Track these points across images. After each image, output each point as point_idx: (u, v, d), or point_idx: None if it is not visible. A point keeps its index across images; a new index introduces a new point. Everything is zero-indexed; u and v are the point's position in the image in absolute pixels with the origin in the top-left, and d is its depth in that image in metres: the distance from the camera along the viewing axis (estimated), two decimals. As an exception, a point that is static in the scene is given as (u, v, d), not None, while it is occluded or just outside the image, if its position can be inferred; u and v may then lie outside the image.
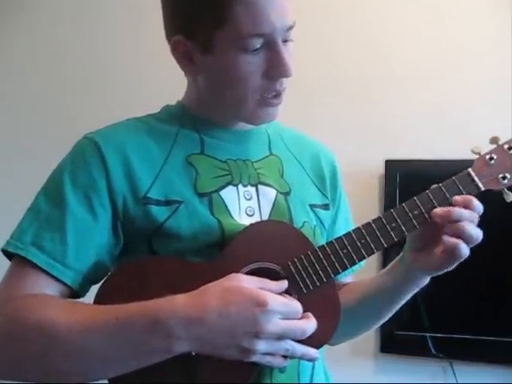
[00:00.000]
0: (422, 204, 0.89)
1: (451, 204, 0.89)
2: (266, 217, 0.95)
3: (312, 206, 1.02)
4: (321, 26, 2.02)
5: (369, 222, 0.89)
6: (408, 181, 1.78)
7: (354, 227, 0.90)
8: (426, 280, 0.96)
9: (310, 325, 0.81)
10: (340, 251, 0.88)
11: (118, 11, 2.21)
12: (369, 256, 0.89)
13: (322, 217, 1.03)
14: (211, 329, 0.76)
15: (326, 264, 0.87)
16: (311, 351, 0.83)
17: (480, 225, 0.89)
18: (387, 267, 1.00)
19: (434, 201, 0.89)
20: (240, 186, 0.95)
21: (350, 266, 0.89)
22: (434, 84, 1.93)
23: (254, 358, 0.79)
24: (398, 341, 1.85)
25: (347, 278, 1.09)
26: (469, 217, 0.87)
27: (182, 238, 0.89)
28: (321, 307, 0.85)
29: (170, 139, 0.96)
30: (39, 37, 2.30)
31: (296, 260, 0.87)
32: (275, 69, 0.89)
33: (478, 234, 0.88)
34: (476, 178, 0.91)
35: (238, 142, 0.99)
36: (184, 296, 0.79)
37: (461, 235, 0.87)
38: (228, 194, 0.94)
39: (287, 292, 0.85)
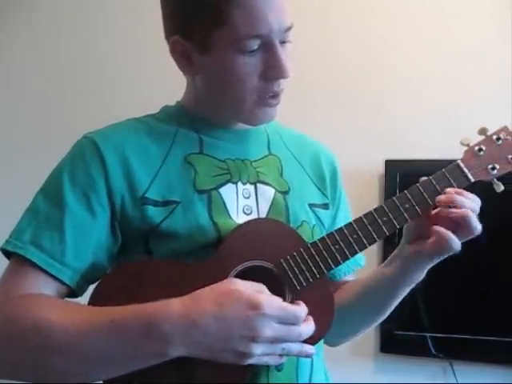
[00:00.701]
0: (412, 197, 0.90)
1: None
2: (263, 215, 0.95)
3: (311, 206, 1.02)
4: (322, 26, 2.02)
5: (360, 217, 0.90)
6: (408, 181, 1.78)
7: None
8: (421, 275, 0.96)
9: (306, 328, 0.81)
10: (332, 247, 0.88)
11: (118, 11, 2.21)
12: (361, 251, 0.89)
13: (322, 216, 1.03)
14: (207, 333, 0.76)
15: (319, 260, 0.88)
16: (307, 348, 0.82)
17: (483, 228, 0.89)
18: (385, 261, 1.01)
19: (424, 194, 0.90)
20: (239, 183, 0.96)
21: (343, 261, 0.89)
22: (434, 84, 1.93)
23: (251, 361, 0.78)
24: (397, 341, 1.85)
25: (347, 276, 1.09)
26: (470, 204, 0.88)
27: (177, 238, 0.89)
28: (315, 303, 0.85)
29: (168, 139, 0.96)
30: (39, 37, 2.30)
31: (289, 257, 0.87)
32: (272, 70, 0.89)
33: (477, 224, 0.88)
34: (465, 170, 0.91)
35: (236, 141, 0.99)
36: (179, 300, 0.79)
37: (462, 221, 0.87)
38: (227, 192, 0.94)
39: (281, 289, 0.86)
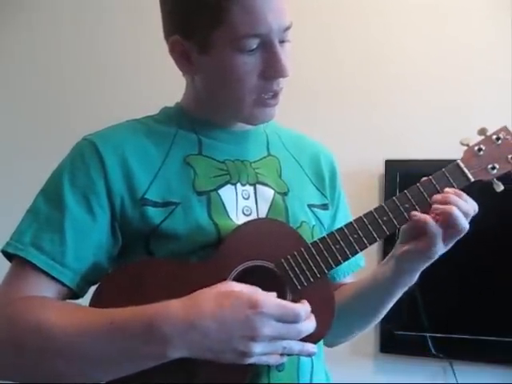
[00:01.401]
0: (412, 197, 0.90)
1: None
2: (263, 216, 0.95)
3: (311, 206, 1.02)
4: (322, 26, 2.02)
5: (360, 217, 0.90)
6: (408, 181, 1.78)
7: None
8: (414, 276, 0.96)
9: (306, 325, 0.81)
10: (333, 246, 0.88)
11: (118, 11, 2.21)
12: (362, 250, 0.90)
13: (321, 216, 1.03)
14: (206, 334, 0.76)
15: (320, 260, 0.88)
16: (308, 347, 0.83)
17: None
18: (382, 262, 1.01)
19: (424, 193, 0.90)
20: (238, 184, 0.96)
21: (344, 261, 0.89)
22: (434, 84, 1.92)
23: (251, 361, 0.79)
24: (397, 341, 1.85)
25: (347, 278, 1.09)
26: (463, 205, 0.88)
27: (178, 239, 0.89)
28: (316, 303, 0.85)
29: (168, 140, 0.96)
30: (39, 37, 2.30)
31: (289, 257, 0.87)
32: (271, 69, 0.90)
33: (464, 224, 0.89)
34: (465, 169, 0.92)
35: (236, 142, 0.99)
36: (179, 301, 0.79)
37: (448, 217, 0.87)
38: (226, 193, 0.94)
39: (282, 289, 0.86)
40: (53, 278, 0.86)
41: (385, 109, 1.96)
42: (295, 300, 0.85)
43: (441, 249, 0.90)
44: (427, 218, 0.88)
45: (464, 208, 0.88)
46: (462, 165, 0.92)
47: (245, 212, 0.94)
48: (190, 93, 1.01)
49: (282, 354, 0.81)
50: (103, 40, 2.24)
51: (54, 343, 0.79)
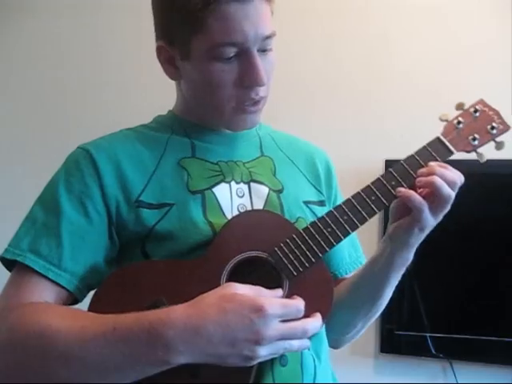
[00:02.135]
0: (398, 174, 0.91)
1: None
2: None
3: (307, 203, 1.02)
4: (322, 26, 2.03)
5: (349, 198, 0.91)
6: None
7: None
8: (409, 254, 0.95)
9: (311, 323, 0.82)
10: (324, 230, 0.89)
11: (119, 12, 2.21)
12: (353, 231, 0.90)
13: (318, 213, 1.03)
14: (210, 339, 0.76)
15: (312, 244, 0.88)
16: (306, 342, 0.83)
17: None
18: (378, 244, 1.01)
19: (409, 169, 0.92)
20: (233, 182, 0.97)
21: (337, 243, 0.89)
22: (434, 84, 1.93)
23: (255, 363, 0.79)
24: (397, 341, 1.85)
25: (349, 275, 1.09)
26: (448, 174, 0.88)
27: (173, 239, 0.89)
28: (313, 287, 0.86)
29: (161, 145, 0.97)
30: (38, 39, 2.30)
31: (282, 245, 0.88)
32: (248, 78, 0.90)
33: (449, 192, 0.88)
34: (447, 142, 0.94)
35: (228, 144, 1.00)
36: (181, 307, 0.78)
37: (431, 187, 0.88)
38: (221, 191, 0.95)
39: (278, 278, 0.86)
40: (51, 281, 0.87)
41: (385, 109, 1.96)
42: (293, 287, 0.85)
43: (430, 221, 0.89)
44: (410, 192, 0.88)
45: (448, 177, 0.88)
46: (442, 138, 0.95)
47: (240, 209, 0.95)
48: (179, 98, 1.03)
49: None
50: (103, 41, 2.24)
51: (55, 350, 0.79)
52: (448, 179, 0.88)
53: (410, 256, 0.96)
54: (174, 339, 0.75)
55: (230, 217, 0.93)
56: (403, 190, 0.89)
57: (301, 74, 1.99)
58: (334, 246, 0.89)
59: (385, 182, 0.91)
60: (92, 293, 0.91)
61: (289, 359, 0.88)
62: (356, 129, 1.98)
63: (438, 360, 1.82)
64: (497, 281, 1.78)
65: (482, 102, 0.98)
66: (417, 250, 0.95)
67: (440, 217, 0.91)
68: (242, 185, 0.97)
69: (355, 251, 1.11)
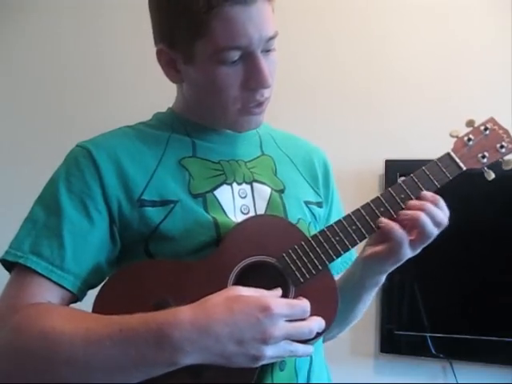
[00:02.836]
0: (407, 187, 0.92)
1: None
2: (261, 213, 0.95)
3: (307, 203, 1.02)
4: (322, 26, 2.03)
5: (358, 209, 0.92)
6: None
7: None
8: (382, 278, 0.97)
9: (315, 324, 0.82)
10: (332, 238, 0.89)
11: (119, 11, 2.21)
12: (361, 241, 0.91)
13: (317, 213, 1.04)
14: (218, 339, 0.76)
15: (320, 252, 0.89)
16: (310, 349, 0.83)
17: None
18: (352, 262, 1.02)
19: (418, 183, 0.93)
20: (234, 184, 0.96)
21: (344, 252, 0.90)
22: (434, 84, 1.93)
23: (262, 363, 0.79)
24: (397, 341, 1.85)
25: (341, 274, 1.09)
26: (434, 212, 0.89)
27: (178, 238, 0.89)
28: (319, 296, 0.86)
29: (162, 144, 0.97)
30: (39, 37, 2.30)
31: (290, 251, 0.88)
32: (253, 80, 0.90)
33: (431, 231, 0.89)
34: (457, 159, 0.95)
35: (229, 143, 1.00)
36: (188, 307, 0.78)
37: (415, 223, 0.88)
38: (222, 193, 0.95)
39: (285, 284, 0.86)
40: (54, 282, 0.86)
41: (385, 109, 1.97)
42: (298, 293, 0.86)
43: (407, 254, 0.91)
44: (391, 224, 0.89)
45: (436, 216, 0.89)
46: (453, 154, 0.95)
47: (243, 210, 0.95)
48: (180, 98, 1.02)
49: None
50: (103, 41, 2.24)
51: (60, 352, 0.78)
52: (436, 218, 0.89)
53: (381, 280, 0.98)
54: (181, 340, 0.75)
55: (233, 218, 0.93)
56: (385, 222, 0.90)
57: (301, 74, 1.99)
58: (341, 254, 0.90)
59: (394, 194, 0.92)
60: (93, 291, 0.90)
61: (286, 363, 0.89)
62: (356, 129, 1.98)
63: (438, 360, 1.82)
64: (497, 281, 1.78)
65: (492, 120, 0.99)
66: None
67: (418, 250, 0.92)
68: (244, 185, 0.97)
69: (348, 252, 1.11)
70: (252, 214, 0.95)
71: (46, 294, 0.86)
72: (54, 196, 0.90)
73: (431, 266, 1.65)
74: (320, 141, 1.15)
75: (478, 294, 1.80)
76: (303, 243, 0.88)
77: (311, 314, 0.82)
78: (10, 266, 0.89)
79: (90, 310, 0.86)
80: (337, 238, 0.89)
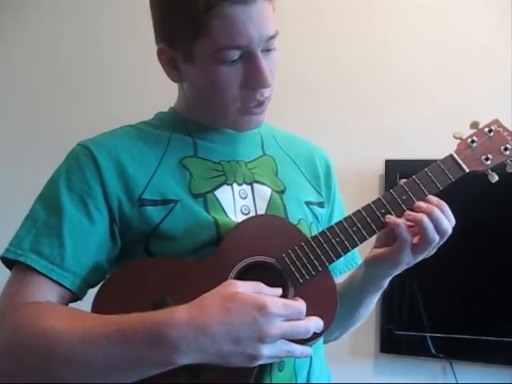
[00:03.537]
0: (409, 189, 0.91)
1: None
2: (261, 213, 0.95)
3: (308, 203, 1.02)
4: (323, 26, 2.03)
5: (359, 210, 0.91)
6: (408, 181, 1.80)
7: None
8: (384, 283, 0.97)
9: (313, 323, 0.81)
10: (333, 239, 0.89)
11: (120, 11, 2.21)
12: (361, 242, 0.90)
13: (318, 214, 1.04)
14: (214, 338, 0.76)
15: (320, 252, 0.88)
16: (308, 350, 0.83)
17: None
18: (357, 266, 1.02)
19: (420, 185, 0.92)
20: (235, 184, 0.96)
21: (344, 253, 0.89)
22: (434, 84, 1.93)
23: (259, 363, 0.79)
24: (397, 341, 1.85)
25: (343, 275, 1.09)
26: (438, 217, 0.88)
27: (178, 238, 0.89)
28: (319, 297, 0.86)
29: (163, 143, 0.97)
30: (39, 39, 2.30)
31: (290, 251, 0.88)
32: (253, 80, 0.89)
33: (432, 237, 0.88)
34: (460, 161, 0.94)
35: (230, 143, 1.00)
36: (184, 307, 0.78)
37: (418, 225, 0.88)
38: (223, 194, 0.94)
39: (284, 284, 0.86)
40: (54, 281, 0.86)
41: (385, 109, 1.96)
42: (298, 294, 0.85)
43: (408, 258, 0.90)
44: (399, 221, 0.88)
45: (440, 221, 0.88)
46: (456, 156, 0.94)
47: (243, 211, 0.95)
48: (181, 97, 1.02)
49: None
50: (103, 41, 2.24)
51: (58, 351, 0.79)
52: (439, 225, 0.88)
53: (384, 285, 0.97)
54: (178, 340, 0.75)
55: (233, 218, 0.93)
56: (392, 218, 0.89)
57: (301, 74, 1.99)
58: (341, 255, 0.89)
59: (395, 196, 0.91)
60: (92, 290, 0.90)
61: (285, 363, 0.89)
62: (356, 129, 1.98)
63: (438, 360, 1.81)
64: (497, 281, 1.78)
65: (496, 122, 0.97)
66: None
67: (418, 259, 0.91)
68: (244, 186, 0.97)
69: (352, 252, 1.10)
70: (252, 214, 0.95)
71: (46, 292, 0.86)
72: (55, 194, 0.90)
73: (431, 266, 1.65)
74: (320, 140, 1.15)
75: (477, 294, 1.80)
76: (303, 244, 0.88)
77: (310, 315, 0.82)
78: (9, 263, 0.89)
79: (89, 309, 0.86)
80: (337, 239, 0.89)
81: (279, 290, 0.84)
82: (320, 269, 0.88)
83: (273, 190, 0.98)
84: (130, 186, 0.91)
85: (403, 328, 1.83)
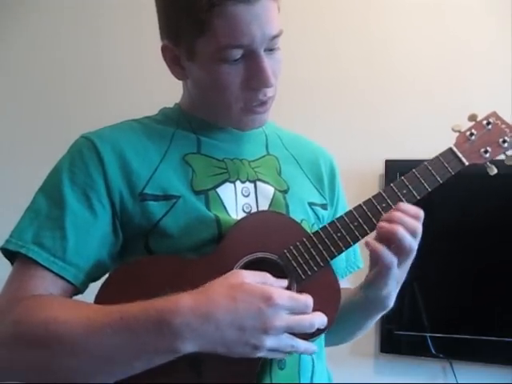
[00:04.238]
0: (409, 183, 0.92)
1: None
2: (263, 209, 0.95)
3: (311, 204, 1.02)
4: (322, 26, 2.03)
5: (359, 205, 0.91)
6: (408, 181, 1.79)
7: None
8: (383, 303, 0.95)
9: (317, 318, 0.81)
10: (334, 235, 0.89)
11: (119, 12, 2.21)
12: (363, 237, 0.90)
13: (321, 215, 1.03)
14: (218, 326, 0.75)
15: (322, 248, 0.88)
16: (312, 346, 0.83)
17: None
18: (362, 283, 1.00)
19: (421, 179, 0.92)
20: (238, 182, 0.96)
21: (346, 248, 0.89)
22: (434, 84, 1.93)
23: (261, 354, 0.78)
24: (397, 341, 1.85)
25: (345, 279, 1.09)
26: (408, 223, 0.86)
27: (178, 235, 0.89)
28: (321, 293, 0.85)
29: (166, 139, 0.96)
30: (39, 38, 2.30)
31: (292, 247, 0.88)
32: (255, 79, 0.89)
33: (409, 245, 0.86)
34: (459, 154, 0.94)
35: (234, 141, 0.99)
36: (189, 294, 0.78)
37: (391, 236, 0.86)
38: (225, 191, 0.94)
39: (288, 282, 0.86)
40: (55, 274, 0.86)
41: (385, 109, 1.96)
42: (300, 290, 0.85)
43: (396, 273, 0.88)
44: (380, 248, 0.86)
45: (410, 225, 0.86)
46: (455, 149, 0.94)
47: (245, 209, 0.94)
48: (186, 94, 1.02)
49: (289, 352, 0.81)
50: (103, 40, 2.24)
51: (61, 340, 0.78)
52: (409, 227, 0.86)
53: (385, 305, 0.96)
54: (182, 327, 0.75)
55: (234, 216, 0.92)
56: (372, 244, 0.87)
57: (301, 74, 1.99)
58: (343, 251, 0.89)
59: (396, 190, 0.91)
60: (94, 285, 0.90)
61: (287, 363, 0.88)
62: (356, 129, 1.98)
63: (438, 360, 1.81)
64: (497, 281, 1.78)
65: (494, 114, 0.97)
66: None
67: (403, 267, 0.89)
68: (247, 184, 0.96)
69: (353, 255, 1.10)
70: None
71: (48, 285, 0.86)
72: (57, 187, 0.90)
73: (431, 266, 1.65)
74: (320, 140, 1.15)
75: (478, 293, 1.79)
76: (305, 240, 0.88)
77: (313, 310, 0.81)
78: (10, 255, 0.89)
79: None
80: (338, 235, 0.89)
81: (285, 282, 0.83)
82: (322, 264, 0.88)
83: (276, 189, 0.98)
84: (132, 181, 0.91)
85: (403, 328, 1.83)
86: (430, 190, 0.92)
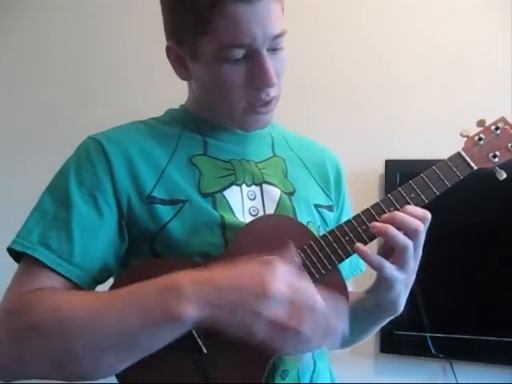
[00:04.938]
0: (417, 187, 0.92)
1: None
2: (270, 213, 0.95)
3: (317, 206, 1.02)
4: (322, 27, 2.03)
5: (368, 208, 0.91)
6: (408, 181, 1.79)
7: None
8: (391, 307, 0.95)
9: (318, 296, 0.77)
10: (342, 238, 0.89)
11: (119, 12, 2.21)
12: (370, 241, 0.90)
13: (327, 217, 1.03)
14: (219, 289, 0.74)
15: (330, 251, 0.88)
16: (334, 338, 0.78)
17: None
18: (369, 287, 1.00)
19: (429, 183, 0.92)
20: (244, 185, 0.96)
21: (353, 252, 0.89)
22: (434, 84, 1.93)
23: (263, 321, 0.73)
24: (397, 341, 1.85)
25: (348, 281, 1.09)
26: (408, 222, 0.86)
27: (185, 238, 0.89)
28: (329, 295, 0.84)
29: (173, 141, 0.96)
30: (39, 37, 2.30)
31: (299, 251, 0.87)
32: (257, 79, 0.89)
33: (403, 243, 0.86)
34: (467, 158, 0.95)
35: (241, 143, 0.99)
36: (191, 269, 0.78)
37: (383, 235, 0.86)
38: (231, 194, 0.94)
39: None
40: (62, 276, 0.86)
41: (385, 109, 1.96)
42: None
43: (395, 274, 0.88)
44: (364, 250, 0.87)
45: (407, 224, 0.86)
46: (463, 154, 0.95)
47: (251, 212, 0.94)
48: (191, 95, 1.02)
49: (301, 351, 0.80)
50: (106, 40, 2.24)
51: (73, 318, 0.77)
52: (406, 226, 0.86)
53: (395, 307, 0.95)
54: (187, 286, 0.74)
55: (241, 219, 0.92)
56: (360, 247, 0.87)
57: (300, 74, 1.99)
58: (351, 254, 0.89)
59: (404, 194, 0.91)
60: (99, 287, 0.90)
61: (289, 372, 0.88)
62: (356, 129, 1.98)
63: (438, 360, 1.81)
64: (497, 281, 1.78)
65: (503, 119, 0.98)
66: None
67: (407, 269, 0.89)
68: (253, 187, 0.96)
69: (356, 258, 1.10)
70: (261, 215, 0.94)
71: (53, 285, 0.85)
72: (64, 187, 0.89)
73: (431, 265, 1.65)
74: (320, 140, 1.15)
75: (478, 294, 1.79)
76: (312, 243, 0.88)
77: None
78: (16, 255, 0.88)
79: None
80: (346, 238, 0.89)
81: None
82: (330, 267, 0.88)
83: (282, 191, 0.98)
84: (139, 183, 0.90)
85: (403, 328, 1.83)
86: (438, 193, 0.93)
